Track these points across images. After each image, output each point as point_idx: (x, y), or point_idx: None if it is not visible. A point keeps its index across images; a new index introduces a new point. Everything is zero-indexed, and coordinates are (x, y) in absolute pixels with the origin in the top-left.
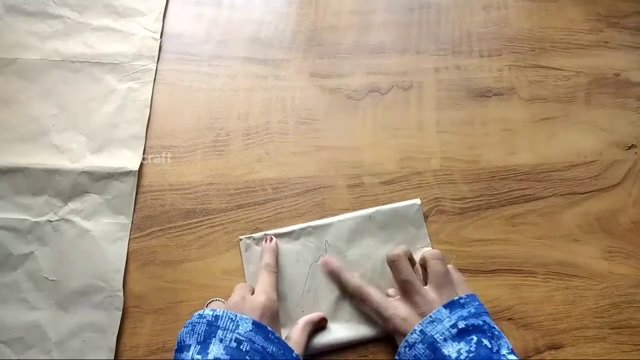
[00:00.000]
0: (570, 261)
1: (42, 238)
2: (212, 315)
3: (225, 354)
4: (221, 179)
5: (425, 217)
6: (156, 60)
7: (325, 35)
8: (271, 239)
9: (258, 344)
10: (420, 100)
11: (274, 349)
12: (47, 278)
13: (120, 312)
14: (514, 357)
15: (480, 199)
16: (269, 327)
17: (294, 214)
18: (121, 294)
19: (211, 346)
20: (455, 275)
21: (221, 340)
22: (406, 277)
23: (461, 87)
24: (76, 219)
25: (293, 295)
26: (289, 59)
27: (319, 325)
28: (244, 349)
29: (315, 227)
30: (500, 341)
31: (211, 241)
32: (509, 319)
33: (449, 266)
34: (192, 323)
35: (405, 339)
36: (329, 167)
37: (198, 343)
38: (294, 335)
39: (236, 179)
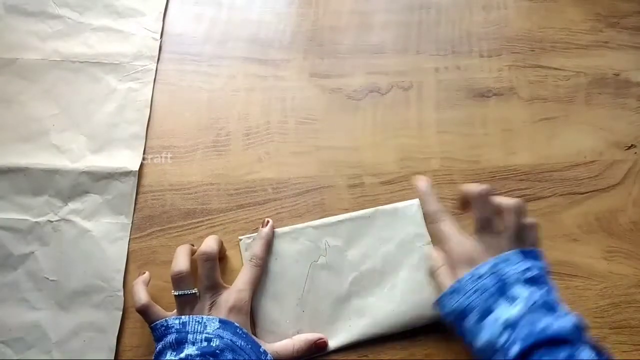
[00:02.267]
0: (570, 261)
1: (43, 238)
2: (179, 322)
3: (196, 350)
4: (221, 179)
5: None
6: (156, 60)
7: (325, 35)
8: (267, 223)
9: (227, 339)
10: (420, 100)
11: (242, 343)
12: (47, 278)
13: (121, 312)
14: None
15: None
16: (235, 323)
17: (294, 214)
18: (121, 293)
19: (185, 350)
20: (533, 235)
21: (193, 343)
22: (489, 215)
23: (461, 87)
24: (76, 219)
25: (293, 296)
26: (289, 59)
27: (317, 347)
28: (214, 345)
29: (315, 227)
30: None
31: None
32: None
33: (532, 221)
34: (163, 335)
35: (476, 268)
36: (329, 167)
37: (173, 350)
38: (281, 342)
39: (236, 179)
